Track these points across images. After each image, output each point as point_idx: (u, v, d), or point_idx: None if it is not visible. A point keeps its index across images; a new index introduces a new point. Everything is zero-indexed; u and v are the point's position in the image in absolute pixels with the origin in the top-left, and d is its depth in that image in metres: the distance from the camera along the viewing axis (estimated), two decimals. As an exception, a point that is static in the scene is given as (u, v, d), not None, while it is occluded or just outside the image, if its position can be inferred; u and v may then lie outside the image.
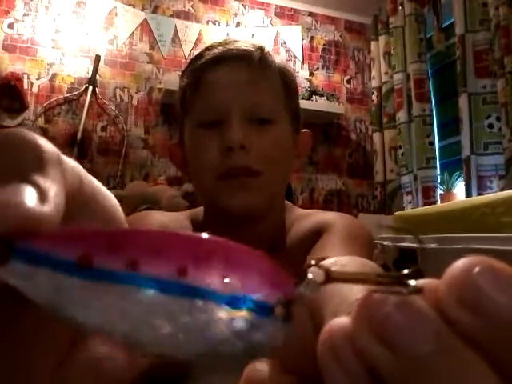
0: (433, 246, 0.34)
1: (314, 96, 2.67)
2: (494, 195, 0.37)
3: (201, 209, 0.72)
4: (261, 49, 0.65)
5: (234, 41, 0.66)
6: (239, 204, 0.61)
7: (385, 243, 0.40)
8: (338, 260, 0.19)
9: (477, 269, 0.13)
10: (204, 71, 0.64)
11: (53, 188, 0.15)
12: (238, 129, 0.61)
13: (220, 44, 0.66)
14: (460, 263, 0.14)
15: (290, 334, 0.15)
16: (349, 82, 2.97)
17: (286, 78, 0.68)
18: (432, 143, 2.37)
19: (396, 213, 0.54)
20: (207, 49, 0.67)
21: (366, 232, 0.63)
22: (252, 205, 0.61)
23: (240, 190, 0.61)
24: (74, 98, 2.42)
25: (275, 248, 0.65)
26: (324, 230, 0.62)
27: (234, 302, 0.14)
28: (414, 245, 0.36)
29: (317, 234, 0.62)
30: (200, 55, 0.67)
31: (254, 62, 0.63)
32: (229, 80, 0.63)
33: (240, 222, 0.63)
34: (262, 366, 0.19)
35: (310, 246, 0.60)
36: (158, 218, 0.68)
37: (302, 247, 0.62)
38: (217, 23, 2.78)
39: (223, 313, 0.14)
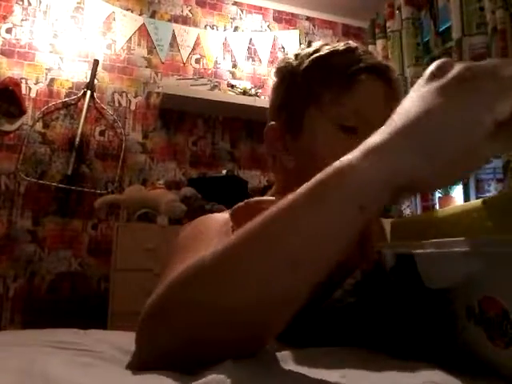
0: (429, 251, 0.34)
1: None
2: (480, 200, 0.37)
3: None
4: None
5: (370, 53, 0.69)
6: None
7: (382, 250, 0.40)
8: None
9: None
10: (360, 75, 0.65)
11: None
12: None
13: (359, 51, 0.67)
14: None
15: None
16: (347, 85, 2.97)
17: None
18: (430, 146, 2.37)
19: (392, 220, 0.54)
20: (349, 50, 0.67)
21: None
22: None
23: None
24: (72, 102, 2.42)
25: None
26: None
27: None
28: (412, 250, 0.36)
29: None
30: (345, 54, 0.66)
31: (395, 79, 0.68)
32: (383, 93, 0.66)
33: None
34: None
35: None
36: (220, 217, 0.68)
37: None
38: (215, 28, 2.79)
39: None
